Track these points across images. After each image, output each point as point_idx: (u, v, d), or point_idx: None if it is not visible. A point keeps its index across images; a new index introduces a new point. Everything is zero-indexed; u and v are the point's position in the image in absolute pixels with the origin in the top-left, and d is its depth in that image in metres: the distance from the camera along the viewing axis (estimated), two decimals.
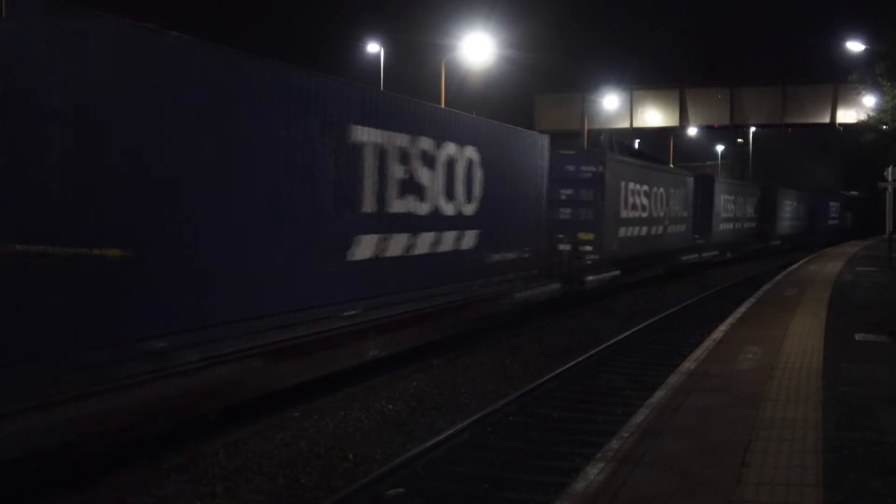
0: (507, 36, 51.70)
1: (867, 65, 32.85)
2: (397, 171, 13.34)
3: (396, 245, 13.46)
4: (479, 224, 15.98)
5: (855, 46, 33.41)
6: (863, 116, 35.07)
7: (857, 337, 14.19)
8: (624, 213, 25.17)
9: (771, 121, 49.96)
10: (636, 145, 54.35)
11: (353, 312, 12.26)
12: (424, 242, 14.27)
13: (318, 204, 11.58)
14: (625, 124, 50.12)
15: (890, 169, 29.31)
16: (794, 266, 33.08)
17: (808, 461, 7.33)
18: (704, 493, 6.57)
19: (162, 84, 9.04)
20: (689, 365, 11.72)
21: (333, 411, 11.21)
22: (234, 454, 9.44)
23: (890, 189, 29.67)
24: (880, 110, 32.61)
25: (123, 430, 8.64)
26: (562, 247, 21.82)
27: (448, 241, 15.06)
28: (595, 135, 47.79)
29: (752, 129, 61.04)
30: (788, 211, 54.75)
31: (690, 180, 33.68)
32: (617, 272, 24.54)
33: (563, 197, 22.61)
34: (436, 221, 14.56)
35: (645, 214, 27.17)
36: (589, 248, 22.69)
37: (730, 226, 40.46)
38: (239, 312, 10.08)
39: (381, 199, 12.95)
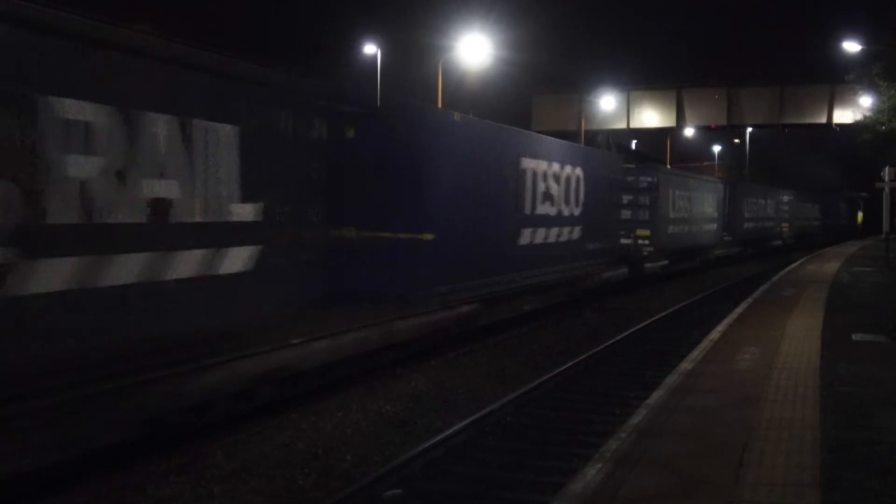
0: (504, 37, 51.69)
1: (864, 65, 32.86)
2: (541, 186, 19.21)
3: (539, 235, 19.34)
4: (581, 222, 21.73)
5: (852, 47, 33.44)
6: (859, 117, 35.09)
7: (855, 337, 14.20)
8: (672, 215, 31.19)
9: (768, 121, 49.99)
10: (633, 146, 54.38)
11: (520, 279, 18.49)
12: (553, 234, 20.13)
13: (507, 208, 17.75)
14: (622, 125, 50.11)
15: (887, 169, 29.35)
16: (792, 266, 33.12)
17: (806, 461, 7.34)
18: (702, 494, 6.57)
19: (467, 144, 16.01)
20: (686, 365, 11.73)
21: (331, 412, 11.21)
22: (233, 455, 9.44)
23: (887, 189, 29.71)
24: (877, 110, 32.62)
25: (430, 336, 14.75)
26: (624, 241, 27.55)
27: (565, 233, 20.89)
28: (592, 135, 47.83)
29: (749, 129, 61.09)
30: (804, 211, 63.19)
31: (721, 186, 40.98)
32: (666, 262, 30.72)
33: (625, 201, 28.38)
34: (559, 220, 20.41)
35: (687, 215, 33.44)
36: (646, 242, 28.98)
37: (752, 224, 47.71)
38: (476, 274, 16.17)
39: (533, 204, 18.78)
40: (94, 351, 8.47)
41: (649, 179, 29.36)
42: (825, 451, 7.63)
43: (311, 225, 12.47)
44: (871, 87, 32.62)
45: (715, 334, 14.58)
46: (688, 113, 49.62)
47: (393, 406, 11.71)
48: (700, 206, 35.41)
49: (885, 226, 30.92)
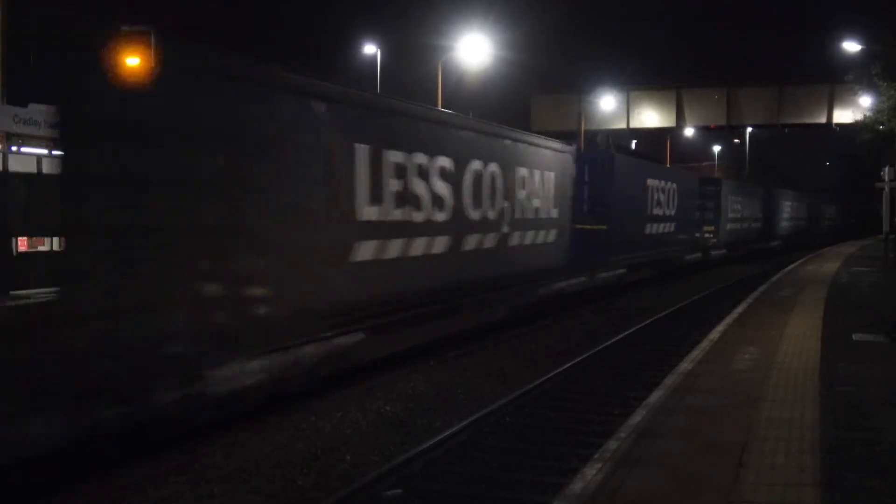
0: (503, 37, 51.72)
1: (863, 65, 32.93)
2: (656, 196, 28.56)
3: (655, 229, 28.79)
4: (675, 220, 31.13)
5: (851, 47, 33.49)
6: (859, 116, 35.14)
7: (855, 337, 14.21)
8: (729, 215, 40.26)
9: (767, 121, 50.09)
10: (633, 146, 54.43)
11: (644, 256, 27.74)
12: (662, 228, 29.55)
13: (640, 211, 27.04)
14: (621, 125, 50.17)
15: (887, 169, 29.36)
16: (792, 266, 33.14)
17: (806, 461, 7.34)
18: (702, 494, 6.58)
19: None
20: (686, 365, 11.74)
21: (331, 412, 11.21)
22: (232, 455, 9.44)
23: (887, 189, 29.72)
24: (876, 110, 32.68)
25: (607, 286, 24.18)
26: (696, 234, 35.90)
27: (666, 228, 30.13)
28: (592, 135, 47.87)
29: (749, 129, 61.13)
30: (828, 213, 74.38)
31: (762, 191, 49.23)
32: (724, 251, 39.64)
33: (698, 205, 36.53)
34: (665, 218, 29.82)
35: (739, 216, 42.59)
36: (710, 235, 37.74)
37: (787, 223, 56.29)
38: (626, 251, 25.42)
39: (652, 208, 28.29)
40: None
41: (714, 188, 38.70)
42: (825, 451, 7.64)
43: (570, 222, 21.81)
44: (871, 87, 32.68)
45: (715, 334, 14.59)
46: (687, 113, 49.68)
47: (392, 406, 11.70)
48: (749, 209, 45.24)
49: (885, 226, 30.94)
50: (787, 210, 56.56)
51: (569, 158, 22.17)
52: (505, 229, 17.66)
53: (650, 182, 28.27)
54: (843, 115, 44.87)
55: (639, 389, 12.47)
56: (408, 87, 41.56)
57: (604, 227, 23.55)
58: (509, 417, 11.35)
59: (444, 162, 14.97)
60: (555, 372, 13.73)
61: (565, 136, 32.82)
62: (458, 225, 15.57)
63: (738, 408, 9.26)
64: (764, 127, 53.78)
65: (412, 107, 15.03)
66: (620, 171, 25.10)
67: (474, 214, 16.26)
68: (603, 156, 26.78)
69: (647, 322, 19.75)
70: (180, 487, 8.49)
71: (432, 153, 14.53)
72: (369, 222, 12.69)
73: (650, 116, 50.48)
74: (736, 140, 77.49)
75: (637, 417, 8.91)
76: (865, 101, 35.00)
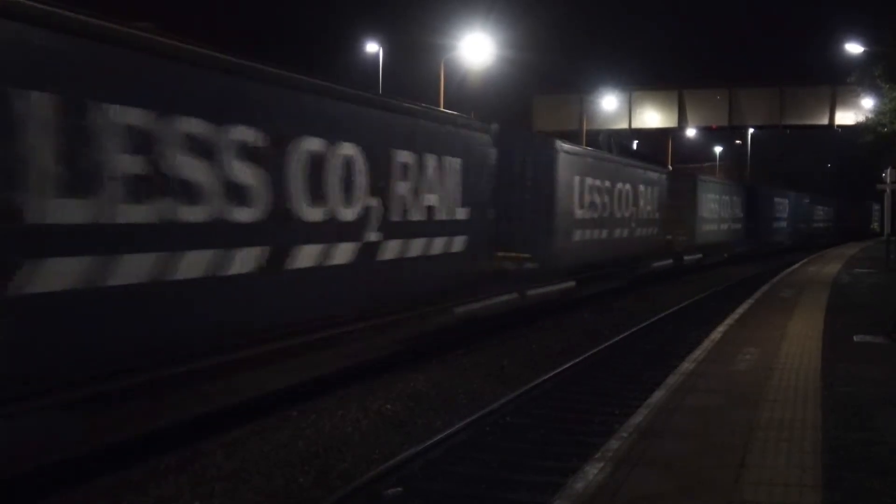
0: (505, 36, 51.72)
1: (866, 67, 32.88)
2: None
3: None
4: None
5: (854, 48, 33.47)
6: (861, 118, 35.10)
7: (856, 338, 14.19)
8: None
9: (769, 122, 50.05)
10: (634, 146, 54.40)
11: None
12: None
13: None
14: (623, 125, 50.14)
15: (889, 171, 29.32)
16: (793, 267, 33.11)
17: (807, 461, 7.34)
18: (703, 494, 6.57)
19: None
20: (687, 366, 11.73)
21: (331, 411, 11.20)
22: (233, 454, 9.44)
23: (888, 191, 29.69)
24: (878, 112, 32.62)
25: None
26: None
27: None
28: (594, 135, 47.85)
29: (751, 130, 61.12)
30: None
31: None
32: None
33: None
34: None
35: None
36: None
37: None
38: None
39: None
40: None
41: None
42: (826, 452, 7.63)
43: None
44: (873, 88, 32.65)
45: (716, 334, 14.57)
46: (689, 113, 49.66)
47: (393, 405, 11.70)
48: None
49: (887, 227, 30.90)
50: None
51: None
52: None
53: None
54: (845, 117, 44.86)
55: (640, 389, 12.46)
56: (410, 86, 41.56)
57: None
58: (510, 417, 11.34)
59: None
60: (555, 371, 13.72)
61: (567, 136, 32.79)
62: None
63: (740, 408, 9.25)
64: (766, 128, 53.74)
65: None
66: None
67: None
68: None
69: (648, 322, 19.74)
70: (181, 486, 8.49)
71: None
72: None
73: (652, 117, 50.46)
74: (738, 141, 77.46)
75: (638, 417, 8.90)
76: (867, 102, 34.98)
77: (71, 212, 7.72)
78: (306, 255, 11.06)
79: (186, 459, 9.18)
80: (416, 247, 13.89)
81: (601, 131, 48.80)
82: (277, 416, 10.80)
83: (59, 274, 7.65)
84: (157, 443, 9.22)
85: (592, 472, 7.07)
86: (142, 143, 8.42)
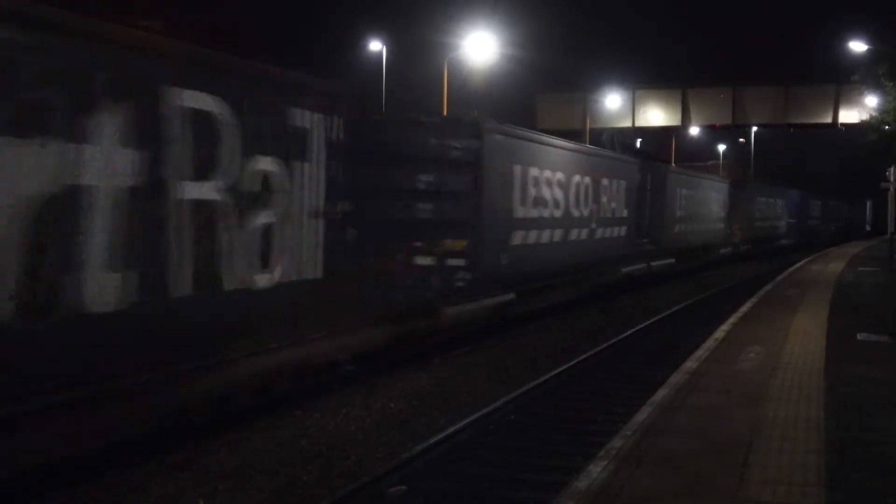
0: (509, 35, 51.62)
1: (870, 65, 32.77)
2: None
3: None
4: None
5: (858, 47, 33.38)
6: (865, 117, 35.01)
7: (859, 337, 14.17)
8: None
9: (773, 121, 49.93)
10: (638, 144, 54.37)
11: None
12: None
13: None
14: (627, 123, 50.04)
15: (892, 169, 29.26)
16: (796, 266, 33.07)
17: (810, 461, 7.33)
18: (706, 492, 6.57)
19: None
20: (691, 364, 11.72)
21: (334, 410, 11.21)
22: (236, 452, 9.44)
23: (892, 189, 29.64)
24: (883, 111, 32.52)
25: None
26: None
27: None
28: (597, 134, 47.81)
29: (755, 128, 61.05)
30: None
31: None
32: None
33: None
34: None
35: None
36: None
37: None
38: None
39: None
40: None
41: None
42: (830, 451, 7.62)
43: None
44: (877, 87, 32.53)
45: (719, 333, 14.56)
46: (693, 112, 49.58)
47: (396, 404, 11.70)
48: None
49: (890, 226, 30.87)
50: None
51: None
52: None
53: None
54: (849, 115, 44.71)
55: (643, 388, 12.44)
56: (414, 85, 41.54)
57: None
58: (513, 415, 11.34)
59: None
60: (558, 370, 13.72)
61: (570, 135, 32.75)
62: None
63: (743, 407, 9.24)
64: (769, 126, 53.63)
65: None
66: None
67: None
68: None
69: (652, 321, 19.74)
70: (183, 484, 8.49)
71: None
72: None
73: (655, 115, 50.38)
74: (741, 139, 77.38)
75: (642, 416, 8.89)
76: (871, 101, 34.87)
77: None
78: (573, 234, 20.33)
79: (189, 457, 9.19)
80: (609, 232, 22.61)
81: (605, 130, 48.75)
82: (281, 414, 10.81)
83: None
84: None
85: (596, 470, 7.06)
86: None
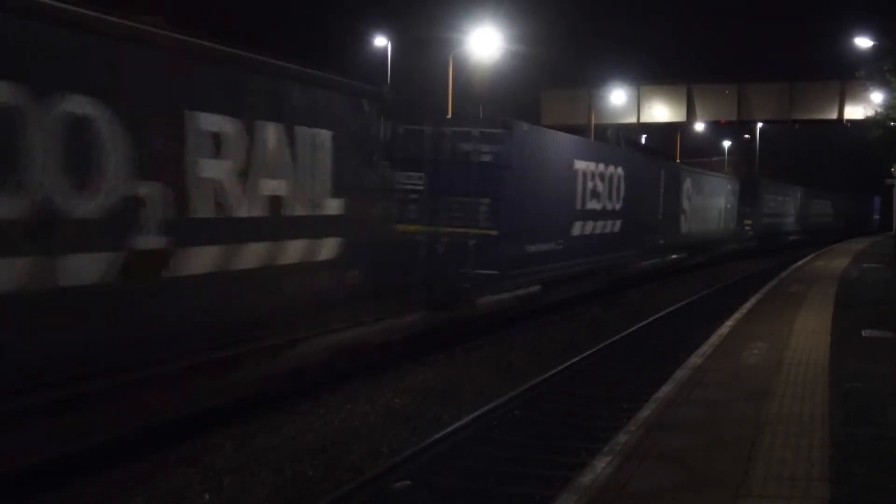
0: (514, 31, 51.55)
1: (875, 61, 32.70)
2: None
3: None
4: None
5: (863, 43, 33.35)
6: (870, 113, 34.93)
7: (864, 333, 14.17)
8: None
9: (778, 117, 49.89)
10: (643, 140, 54.31)
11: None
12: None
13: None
14: (632, 119, 50.02)
15: None
16: (800, 262, 33.05)
17: (815, 456, 7.34)
18: (711, 487, 6.58)
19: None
20: (695, 360, 11.73)
21: (339, 405, 11.22)
22: (241, 447, 9.46)
23: None
24: (888, 106, 32.44)
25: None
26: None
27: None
28: (602, 130, 47.78)
29: (760, 125, 60.97)
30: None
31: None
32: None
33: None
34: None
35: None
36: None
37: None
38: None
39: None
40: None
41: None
42: (834, 447, 7.63)
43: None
44: (882, 83, 32.45)
45: (724, 329, 14.57)
46: (698, 108, 49.54)
47: (401, 399, 11.72)
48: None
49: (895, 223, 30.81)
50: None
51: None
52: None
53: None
54: (854, 112, 44.63)
55: (647, 384, 12.45)
56: (420, 81, 41.54)
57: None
58: (517, 411, 11.36)
59: None
60: (563, 366, 13.72)
61: (575, 131, 32.72)
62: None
63: (748, 402, 9.25)
64: (774, 123, 53.59)
65: None
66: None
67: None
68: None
69: (656, 317, 19.73)
70: (189, 478, 8.52)
71: None
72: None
73: (660, 111, 50.35)
74: (746, 136, 77.25)
75: (646, 411, 8.91)
76: (877, 97, 34.79)
77: None
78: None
79: (195, 452, 9.22)
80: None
81: (609, 126, 48.71)
82: (286, 410, 10.84)
83: None
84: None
85: (600, 465, 7.08)
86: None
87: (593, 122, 48.43)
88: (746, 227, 43.69)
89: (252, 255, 9.89)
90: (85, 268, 7.73)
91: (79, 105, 7.57)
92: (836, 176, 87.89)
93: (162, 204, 8.54)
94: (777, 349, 12.50)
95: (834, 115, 47.27)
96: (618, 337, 16.72)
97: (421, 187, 15.04)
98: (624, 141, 29.53)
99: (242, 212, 9.73)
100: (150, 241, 8.43)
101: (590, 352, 14.99)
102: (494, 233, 15.80)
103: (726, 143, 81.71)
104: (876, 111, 33.70)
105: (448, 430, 9.99)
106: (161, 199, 8.53)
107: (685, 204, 31.66)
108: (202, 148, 9.10)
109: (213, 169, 9.27)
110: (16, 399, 7.17)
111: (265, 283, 10.09)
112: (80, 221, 7.64)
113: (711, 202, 36.84)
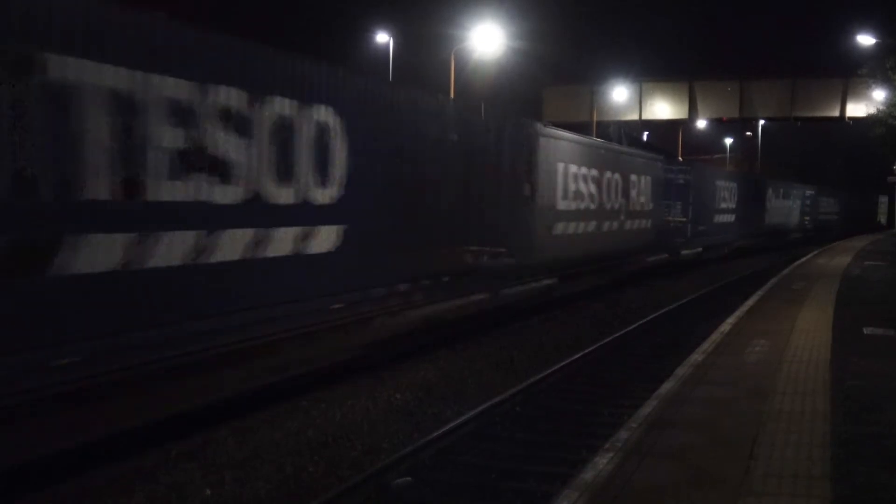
0: (516, 27, 51.55)
1: (878, 59, 32.67)
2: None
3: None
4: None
5: (866, 40, 33.30)
6: (872, 110, 34.91)
7: (866, 331, 14.16)
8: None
9: (780, 114, 49.92)
10: (644, 137, 54.32)
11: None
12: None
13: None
14: (634, 116, 50.08)
15: None
16: (802, 260, 33.05)
17: (816, 454, 7.34)
18: (712, 484, 6.58)
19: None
20: (697, 357, 11.72)
21: (341, 401, 11.24)
22: (243, 442, 9.48)
23: None
24: (890, 104, 32.43)
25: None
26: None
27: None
28: (604, 127, 47.79)
29: (762, 122, 60.97)
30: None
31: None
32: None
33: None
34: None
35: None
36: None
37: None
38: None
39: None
40: None
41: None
42: (835, 445, 7.63)
43: None
44: (885, 81, 32.43)
45: (725, 326, 14.56)
46: (700, 105, 49.57)
47: (402, 395, 11.73)
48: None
49: None
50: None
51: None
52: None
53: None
54: (857, 109, 44.70)
55: (649, 380, 12.46)
56: (422, 77, 41.52)
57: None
58: (519, 407, 11.36)
59: None
60: (564, 362, 13.72)
61: (577, 128, 32.71)
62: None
63: (749, 400, 9.25)
64: (776, 120, 53.60)
65: None
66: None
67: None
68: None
69: (658, 314, 19.73)
70: (191, 473, 8.54)
71: None
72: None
73: (662, 108, 50.37)
74: (748, 133, 77.26)
75: (648, 408, 8.91)
76: (879, 94, 34.77)
77: None
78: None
79: (197, 446, 9.23)
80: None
81: (611, 123, 48.73)
82: (288, 405, 10.85)
83: None
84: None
85: (602, 462, 7.08)
86: None
87: (595, 118, 48.40)
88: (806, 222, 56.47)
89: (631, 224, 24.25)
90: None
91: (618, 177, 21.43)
92: (837, 174, 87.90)
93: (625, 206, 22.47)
94: (779, 346, 12.50)
95: (836, 113, 47.32)
96: (619, 334, 16.71)
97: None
98: (626, 138, 29.63)
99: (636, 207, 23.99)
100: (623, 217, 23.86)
101: (591, 348, 14.99)
102: (684, 219, 30.98)
103: (728, 141, 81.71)
104: (878, 109, 33.70)
105: (449, 425, 10.00)
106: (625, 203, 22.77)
107: (767, 205, 45.34)
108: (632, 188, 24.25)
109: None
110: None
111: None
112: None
113: (787, 203, 50.17)
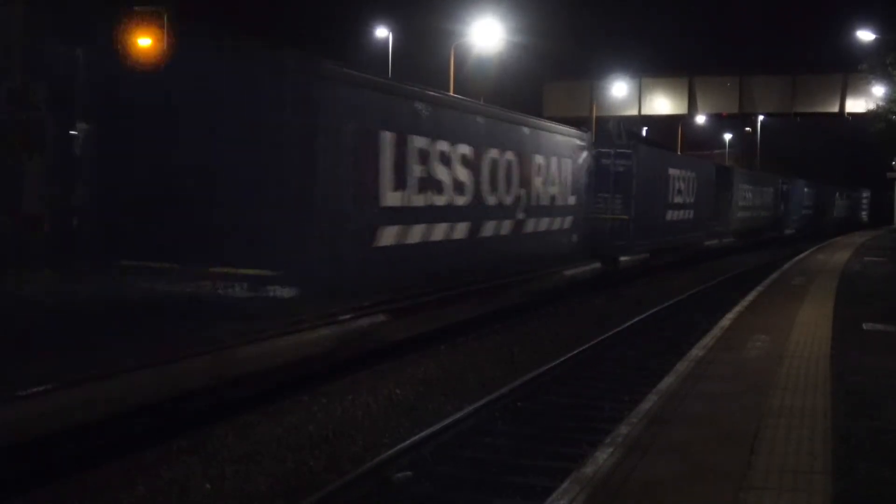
0: (516, 22, 51.42)
1: (878, 54, 32.67)
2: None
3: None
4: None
5: (865, 36, 33.29)
6: (872, 106, 34.92)
7: (866, 326, 14.16)
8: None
9: (780, 110, 49.90)
10: (644, 132, 54.29)
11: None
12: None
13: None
14: (633, 111, 50.02)
15: None
16: (802, 255, 33.04)
17: (817, 449, 7.34)
18: (713, 479, 6.58)
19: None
20: (697, 352, 11.71)
21: (341, 396, 11.24)
22: (244, 437, 9.49)
23: None
24: (890, 100, 32.45)
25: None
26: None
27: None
28: (604, 122, 47.76)
29: (761, 117, 60.94)
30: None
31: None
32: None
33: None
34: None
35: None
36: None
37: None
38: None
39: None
40: None
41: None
42: (836, 440, 7.62)
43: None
44: (885, 76, 32.44)
45: (726, 321, 14.56)
46: (699, 100, 49.53)
47: (402, 390, 11.73)
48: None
49: None
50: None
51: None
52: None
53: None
54: (856, 105, 44.66)
55: (649, 376, 12.46)
56: (422, 72, 41.45)
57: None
58: (520, 402, 11.36)
59: None
60: (565, 357, 13.72)
61: (577, 123, 32.66)
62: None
63: (750, 395, 9.24)
64: (776, 115, 53.60)
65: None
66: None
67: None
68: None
69: (658, 309, 19.73)
70: (192, 468, 8.54)
71: None
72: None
73: (662, 103, 50.33)
74: (747, 128, 77.21)
75: (648, 403, 8.90)
76: (879, 90, 34.78)
77: None
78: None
79: (198, 441, 9.24)
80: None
81: (611, 118, 48.70)
82: (289, 400, 10.85)
83: None
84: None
85: (602, 457, 7.08)
86: None
87: (595, 113, 48.38)
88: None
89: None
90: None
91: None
92: (836, 169, 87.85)
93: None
94: (779, 342, 12.49)
95: (836, 109, 47.28)
96: (619, 329, 16.72)
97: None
98: (625, 133, 29.36)
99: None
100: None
101: (592, 343, 14.99)
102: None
103: (727, 136, 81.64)
104: (878, 105, 33.72)
105: (450, 420, 10.00)
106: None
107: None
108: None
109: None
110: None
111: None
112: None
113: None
